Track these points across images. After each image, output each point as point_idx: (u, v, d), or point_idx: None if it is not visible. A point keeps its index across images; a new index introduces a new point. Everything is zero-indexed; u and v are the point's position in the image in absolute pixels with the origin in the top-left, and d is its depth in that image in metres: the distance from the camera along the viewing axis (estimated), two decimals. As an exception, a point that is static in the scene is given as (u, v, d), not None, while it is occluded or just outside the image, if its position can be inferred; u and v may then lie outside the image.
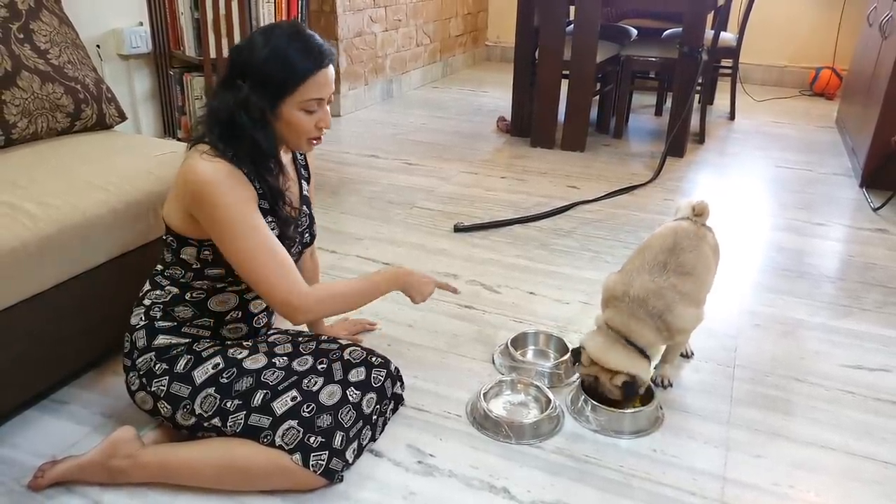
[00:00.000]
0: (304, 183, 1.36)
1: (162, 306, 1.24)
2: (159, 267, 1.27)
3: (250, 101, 1.13)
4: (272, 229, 1.21)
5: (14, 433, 1.30)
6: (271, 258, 1.14)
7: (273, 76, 1.13)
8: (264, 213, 1.20)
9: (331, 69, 1.17)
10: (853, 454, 1.31)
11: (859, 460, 1.30)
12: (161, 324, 1.23)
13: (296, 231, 1.30)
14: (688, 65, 2.96)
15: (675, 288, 1.35)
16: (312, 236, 1.39)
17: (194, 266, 1.22)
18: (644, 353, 1.34)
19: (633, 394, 1.34)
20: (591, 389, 1.38)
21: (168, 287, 1.24)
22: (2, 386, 1.25)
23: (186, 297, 1.24)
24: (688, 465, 1.28)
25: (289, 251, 1.25)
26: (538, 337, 1.64)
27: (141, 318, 1.24)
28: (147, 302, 1.25)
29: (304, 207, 1.34)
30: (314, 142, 1.22)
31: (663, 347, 1.41)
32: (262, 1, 2.22)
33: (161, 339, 1.22)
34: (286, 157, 1.32)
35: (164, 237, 1.25)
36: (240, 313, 1.28)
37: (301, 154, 1.37)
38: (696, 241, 1.43)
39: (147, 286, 1.27)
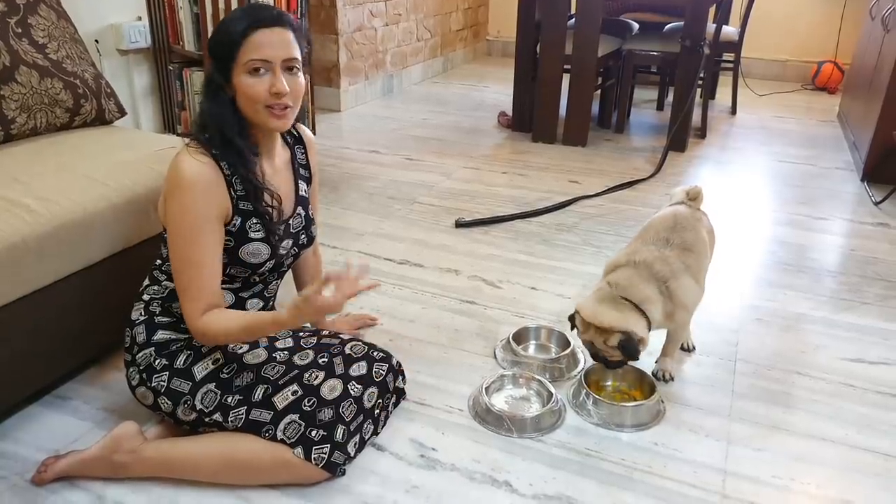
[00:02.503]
0: (301, 183, 1.34)
1: (160, 301, 1.24)
2: (157, 262, 1.27)
3: (212, 78, 1.16)
4: (256, 230, 1.21)
5: (17, 428, 1.30)
6: (187, 274, 1.14)
7: (218, 44, 1.14)
8: (248, 214, 1.20)
9: (276, 31, 1.13)
10: (854, 447, 1.32)
11: (860, 453, 1.30)
12: (160, 319, 1.23)
13: (287, 231, 1.28)
14: (689, 59, 2.95)
15: (679, 258, 1.37)
16: (310, 238, 1.37)
17: None
18: (641, 311, 1.31)
19: (633, 352, 1.29)
20: (595, 356, 1.37)
21: (165, 282, 1.24)
22: (4, 381, 1.25)
23: None
24: (689, 458, 1.28)
25: (275, 251, 1.25)
26: (540, 331, 1.64)
27: (141, 314, 1.24)
28: (146, 297, 1.25)
29: (300, 209, 1.33)
30: (276, 112, 1.16)
31: (662, 323, 1.37)
32: (262, -5, 2.21)
33: (160, 335, 1.22)
34: (283, 156, 1.31)
35: (161, 232, 1.25)
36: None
37: (302, 153, 1.36)
38: (694, 222, 1.46)
39: (146, 281, 1.28)
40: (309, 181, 1.37)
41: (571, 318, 1.39)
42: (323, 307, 1.06)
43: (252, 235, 1.21)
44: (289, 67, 1.15)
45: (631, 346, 1.29)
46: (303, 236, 1.34)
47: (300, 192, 1.33)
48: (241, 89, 1.14)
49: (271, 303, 1.38)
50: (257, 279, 1.28)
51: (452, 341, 1.63)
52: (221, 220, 1.17)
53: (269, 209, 1.22)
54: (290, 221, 1.30)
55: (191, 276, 1.14)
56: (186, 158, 1.13)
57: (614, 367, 1.38)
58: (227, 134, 1.16)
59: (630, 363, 1.39)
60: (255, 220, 1.21)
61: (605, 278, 1.39)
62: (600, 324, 1.30)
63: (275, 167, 1.27)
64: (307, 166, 1.37)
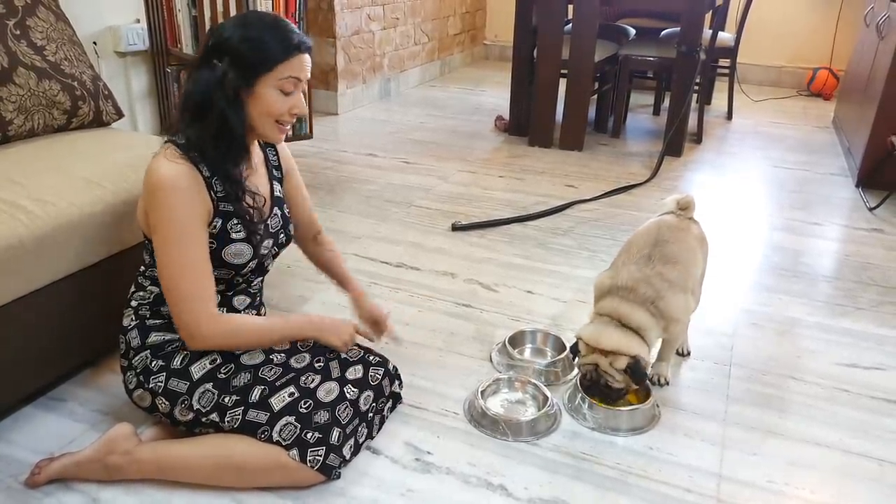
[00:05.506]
0: (275, 184, 1.35)
1: (148, 306, 1.24)
2: (141, 268, 1.27)
3: (227, 77, 1.13)
4: (237, 231, 1.21)
5: (11, 430, 1.30)
6: (188, 277, 1.14)
7: (253, 52, 1.13)
8: (229, 215, 1.20)
9: (308, 58, 1.18)
10: (848, 452, 1.32)
11: (854, 458, 1.31)
12: (152, 321, 1.23)
13: (267, 231, 1.29)
14: (686, 64, 2.97)
15: (661, 276, 1.36)
16: (288, 237, 1.38)
17: None
18: (640, 336, 1.32)
19: (641, 376, 1.30)
20: (594, 384, 1.34)
21: (149, 287, 1.25)
22: (-1, 383, 1.25)
23: None
24: (684, 462, 1.28)
25: (258, 251, 1.25)
26: (536, 335, 1.64)
27: (132, 319, 1.24)
28: (134, 303, 1.26)
29: (276, 209, 1.33)
30: (282, 128, 1.21)
31: (659, 338, 1.40)
32: (260, -2, 2.22)
33: (154, 337, 1.22)
34: (257, 157, 1.32)
35: (144, 238, 1.25)
36: (224, 310, 1.28)
37: (273, 154, 1.37)
38: (679, 233, 1.44)
39: (133, 287, 1.28)
40: (281, 181, 1.38)
41: (574, 348, 1.38)
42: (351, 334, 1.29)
43: (234, 236, 1.21)
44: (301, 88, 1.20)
45: (640, 370, 1.29)
46: (282, 235, 1.35)
47: (275, 193, 1.34)
48: (263, 100, 1.15)
49: (258, 298, 1.38)
50: (240, 280, 1.29)
51: (448, 345, 1.63)
52: (205, 221, 1.17)
53: (251, 209, 1.23)
54: (269, 221, 1.30)
55: (191, 279, 1.14)
56: (164, 163, 1.13)
57: (614, 399, 1.35)
58: (235, 134, 1.16)
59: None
60: (235, 221, 1.21)
61: (596, 308, 1.39)
62: (606, 346, 1.30)
63: (253, 167, 1.28)
64: (279, 167, 1.38)
